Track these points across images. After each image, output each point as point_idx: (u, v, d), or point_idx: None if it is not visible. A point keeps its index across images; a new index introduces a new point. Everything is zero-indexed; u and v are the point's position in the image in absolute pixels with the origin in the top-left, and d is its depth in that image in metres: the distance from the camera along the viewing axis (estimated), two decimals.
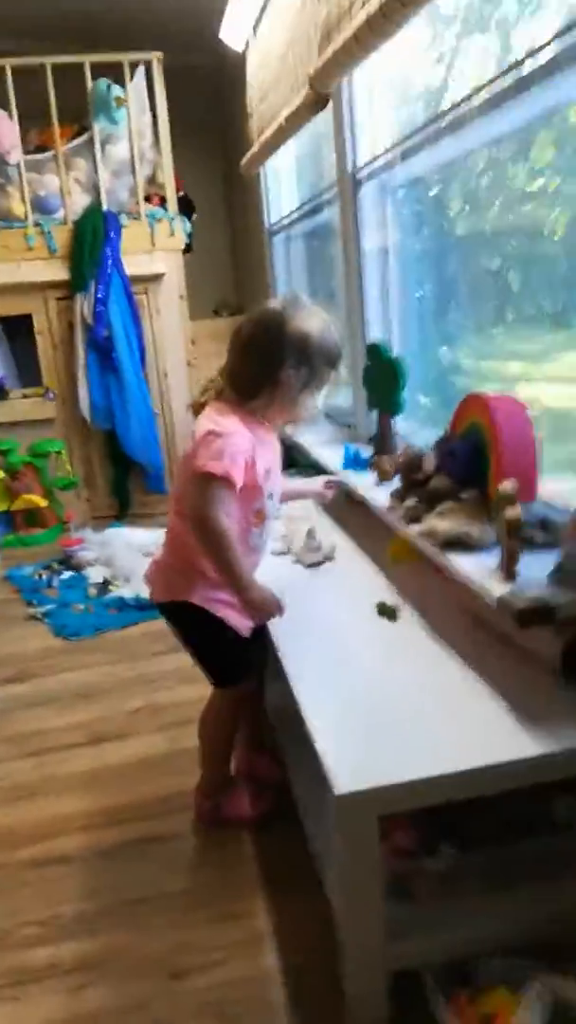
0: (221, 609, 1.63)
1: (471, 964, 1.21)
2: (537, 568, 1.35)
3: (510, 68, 1.61)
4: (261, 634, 1.68)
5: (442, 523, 1.55)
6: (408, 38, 2.06)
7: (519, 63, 1.58)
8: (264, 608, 1.56)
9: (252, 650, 1.72)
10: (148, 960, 1.45)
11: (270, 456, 1.64)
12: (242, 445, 1.51)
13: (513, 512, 1.30)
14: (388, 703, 1.30)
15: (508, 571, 1.35)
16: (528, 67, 1.55)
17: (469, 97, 1.79)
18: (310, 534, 1.99)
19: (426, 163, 2.19)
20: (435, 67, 2.16)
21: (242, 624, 1.65)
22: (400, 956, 1.20)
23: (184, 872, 1.66)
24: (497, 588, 1.32)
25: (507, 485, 1.33)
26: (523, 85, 1.59)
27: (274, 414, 1.63)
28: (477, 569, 1.42)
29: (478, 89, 1.73)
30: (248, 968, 1.41)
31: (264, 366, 1.55)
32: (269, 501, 1.64)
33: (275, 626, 1.63)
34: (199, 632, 1.68)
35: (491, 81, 1.68)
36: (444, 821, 1.27)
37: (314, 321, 1.57)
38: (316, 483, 2.04)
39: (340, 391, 3.28)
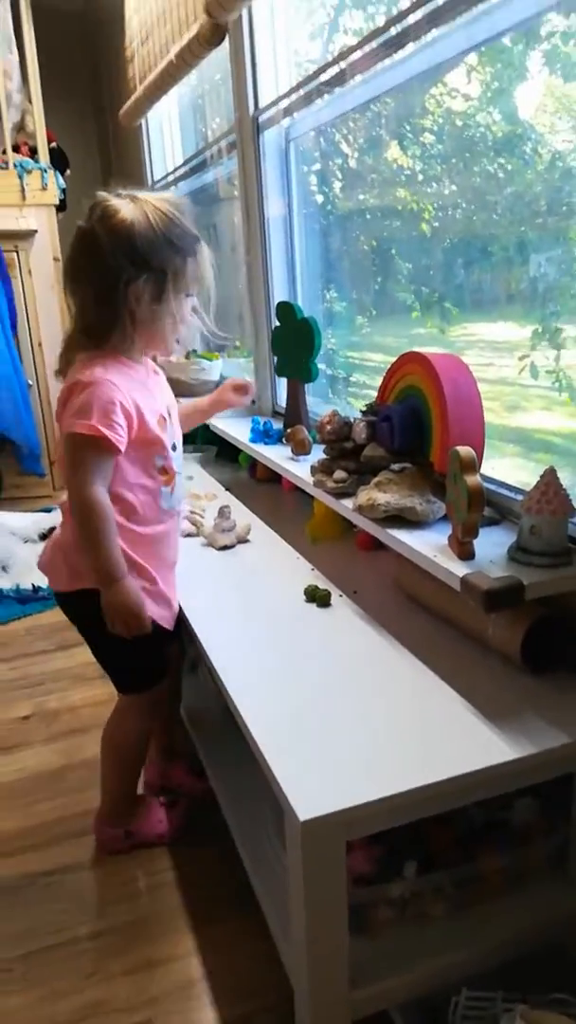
0: (148, 603, 1.35)
1: (440, 1001, 1.05)
2: (485, 546, 1.21)
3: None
4: (179, 624, 1.45)
5: (382, 496, 1.38)
6: None
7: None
8: (124, 614, 1.28)
9: (169, 646, 1.49)
10: None
11: (162, 399, 1.38)
12: (111, 394, 1.24)
13: (474, 480, 1.15)
14: (339, 707, 1.12)
15: (463, 548, 1.20)
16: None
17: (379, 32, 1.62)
18: (222, 513, 1.78)
19: (330, 112, 2.04)
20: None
21: (163, 615, 1.39)
22: (366, 999, 1.03)
23: (93, 911, 1.41)
24: (455, 567, 1.17)
25: (466, 451, 1.17)
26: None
27: (148, 343, 1.34)
28: (425, 546, 1.26)
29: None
30: None
31: (100, 295, 1.25)
32: (174, 453, 1.38)
33: (197, 621, 1.41)
34: (96, 626, 1.34)
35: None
36: (403, 839, 1.10)
37: (130, 210, 1.23)
38: (224, 392, 1.68)
39: (236, 363, 3.09)
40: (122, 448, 1.26)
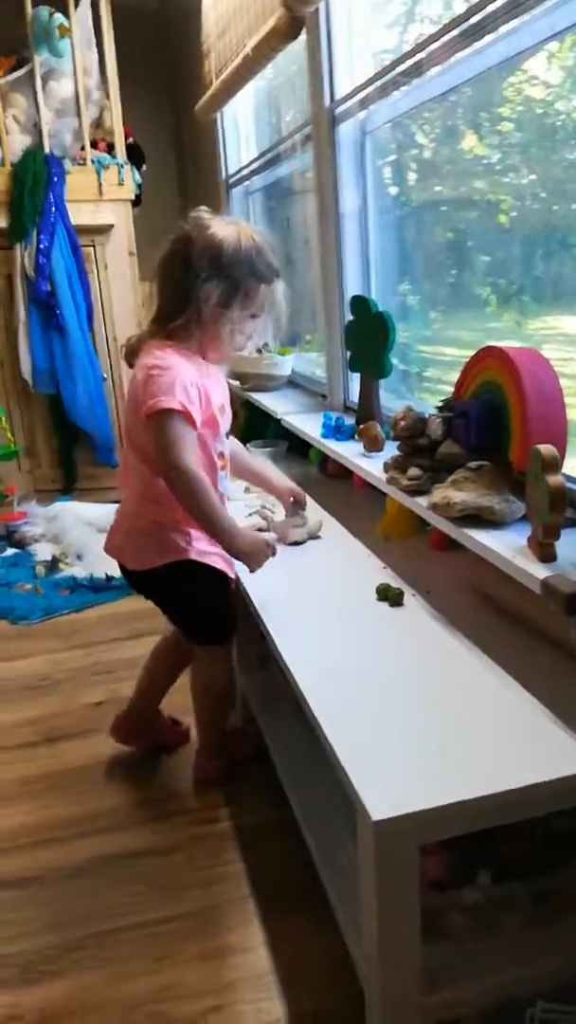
0: (210, 558, 1.54)
1: (514, 1013, 1.04)
2: (565, 547, 1.18)
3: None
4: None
5: (458, 494, 1.36)
6: None
7: None
8: (255, 554, 1.45)
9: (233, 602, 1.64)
10: (127, 1007, 1.23)
11: (220, 391, 1.51)
12: (184, 375, 1.40)
13: (557, 481, 1.12)
14: (413, 708, 1.12)
15: (544, 550, 1.17)
16: None
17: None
18: (294, 508, 1.78)
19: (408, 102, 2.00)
20: None
21: (229, 568, 1.57)
22: (437, 1005, 1.02)
23: (166, 896, 1.44)
24: (535, 569, 1.14)
25: (547, 449, 1.14)
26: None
27: (207, 342, 1.48)
28: (503, 547, 1.24)
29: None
30: (250, 1016, 1.21)
31: (179, 287, 1.42)
32: (227, 441, 1.55)
33: (268, 616, 1.42)
34: (188, 590, 1.56)
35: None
36: (477, 846, 1.09)
37: (227, 229, 1.43)
38: (283, 486, 1.78)
39: (310, 357, 3.09)
40: (198, 424, 1.40)
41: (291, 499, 1.76)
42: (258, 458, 1.85)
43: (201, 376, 1.45)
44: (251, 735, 1.79)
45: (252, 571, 1.48)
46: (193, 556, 1.52)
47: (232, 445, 1.75)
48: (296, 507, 1.76)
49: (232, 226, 1.44)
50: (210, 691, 1.70)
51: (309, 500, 2.05)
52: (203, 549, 1.53)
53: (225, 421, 1.53)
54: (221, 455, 1.53)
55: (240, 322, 1.46)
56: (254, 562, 1.46)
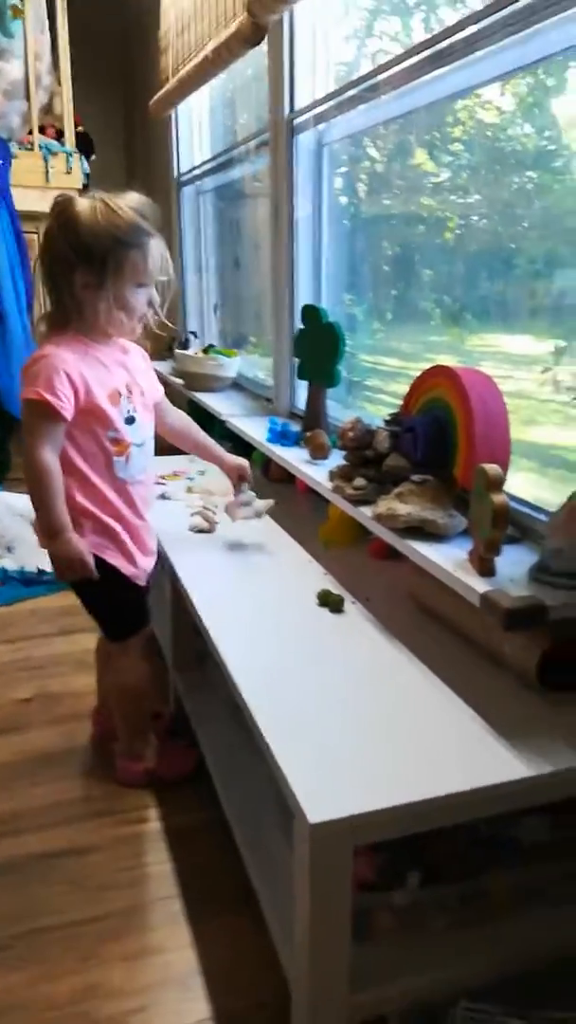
0: (106, 552, 1.51)
1: (437, 1012, 1.07)
2: (504, 563, 1.23)
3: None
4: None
5: (403, 506, 1.40)
6: None
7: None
8: (68, 565, 1.43)
9: (142, 598, 1.62)
10: (49, 1007, 1.22)
11: (124, 377, 1.51)
12: (57, 364, 1.38)
13: (501, 500, 1.17)
14: (350, 713, 1.14)
15: (484, 565, 1.22)
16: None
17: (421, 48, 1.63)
18: (239, 487, 1.79)
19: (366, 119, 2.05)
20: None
21: (128, 568, 1.54)
22: (362, 1004, 1.05)
23: (93, 895, 1.43)
24: (475, 583, 1.19)
25: (493, 469, 1.19)
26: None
27: (94, 324, 1.45)
28: (445, 560, 1.28)
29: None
30: (174, 1017, 1.21)
31: (53, 276, 1.42)
32: (129, 426, 1.50)
33: (206, 614, 1.43)
34: (85, 581, 1.49)
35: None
36: (407, 848, 1.12)
37: (81, 205, 1.38)
38: (231, 471, 1.80)
39: (254, 360, 3.10)
40: (67, 415, 1.39)
41: (238, 475, 1.78)
42: (204, 433, 1.82)
43: (83, 362, 1.42)
44: (188, 754, 1.73)
45: (57, 579, 1.48)
46: None
47: (179, 419, 1.77)
48: (241, 483, 1.78)
49: (87, 201, 1.38)
50: (123, 689, 1.68)
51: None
52: (97, 541, 1.49)
53: (123, 407, 1.48)
54: (116, 441, 1.47)
55: (120, 295, 1.42)
56: (64, 571, 1.44)
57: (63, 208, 1.39)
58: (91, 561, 1.44)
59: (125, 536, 1.52)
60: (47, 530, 1.41)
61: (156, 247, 1.44)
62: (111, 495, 1.50)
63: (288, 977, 1.11)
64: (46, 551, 1.44)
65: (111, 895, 1.43)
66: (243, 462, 1.80)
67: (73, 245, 1.36)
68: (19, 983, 1.26)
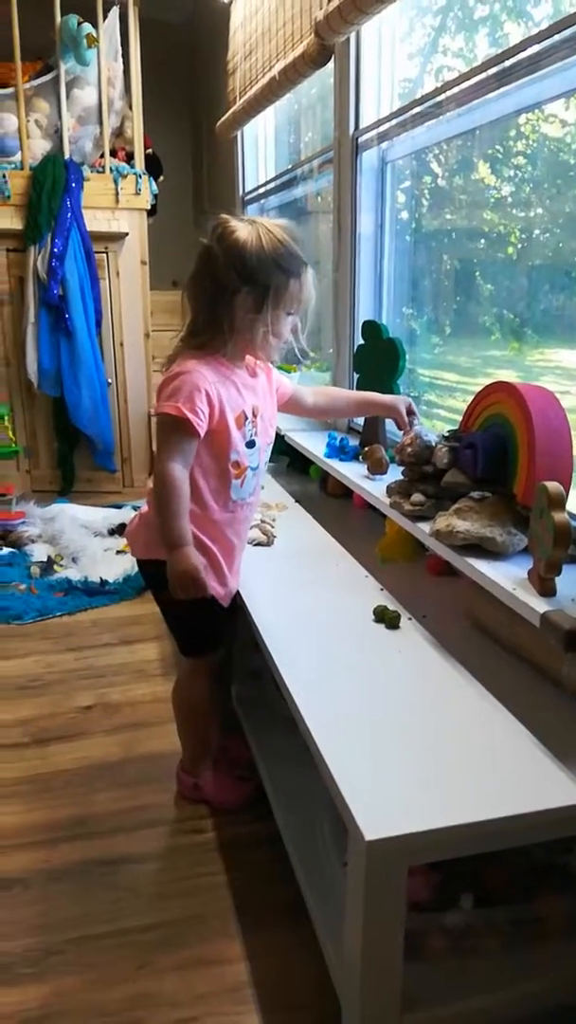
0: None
1: None
2: (565, 583, 1.20)
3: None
4: (235, 607, 1.59)
5: (461, 523, 1.39)
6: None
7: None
8: (181, 579, 1.38)
9: (226, 622, 1.61)
10: (102, 1013, 1.24)
11: (252, 400, 1.50)
12: (198, 381, 1.38)
13: (562, 518, 1.15)
14: (407, 731, 1.14)
15: (544, 584, 1.20)
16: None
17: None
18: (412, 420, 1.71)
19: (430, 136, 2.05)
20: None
21: (217, 590, 1.52)
22: None
23: (149, 903, 1.44)
24: (535, 603, 1.17)
25: (555, 487, 1.17)
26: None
27: (244, 348, 1.46)
28: (504, 579, 1.27)
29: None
30: None
31: (210, 298, 1.40)
32: (248, 450, 1.49)
33: (266, 632, 1.44)
34: (169, 594, 1.45)
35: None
36: (461, 870, 1.11)
37: (246, 231, 1.37)
38: (397, 402, 1.72)
39: (314, 375, 3.11)
40: (201, 432, 1.39)
41: (407, 410, 1.71)
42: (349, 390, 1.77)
43: (221, 384, 1.42)
44: (240, 788, 1.72)
45: (174, 596, 1.41)
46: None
47: (321, 393, 1.77)
48: (411, 417, 1.70)
49: (250, 227, 1.38)
50: (184, 704, 1.69)
51: (307, 517, 2.08)
52: None
53: (247, 430, 1.48)
54: (236, 464, 1.47)
55: (275, 322, 1.41)
56: (178, 589, 1.39)
57: (225, 231, 1.37)
58: (204, 579, 1.40)
59: (220, 557, 1.52)
60: (167, 541, 1.40)
61: (309, 276, 1.44)
62: (218, 515, 1.49)
63: (339, 994, 1.11)
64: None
65: (166, 904, 1.44)
66: (406, 398, 1.75)
67: (238, 269, 1.35)
68: (72, 988, 1.28)
